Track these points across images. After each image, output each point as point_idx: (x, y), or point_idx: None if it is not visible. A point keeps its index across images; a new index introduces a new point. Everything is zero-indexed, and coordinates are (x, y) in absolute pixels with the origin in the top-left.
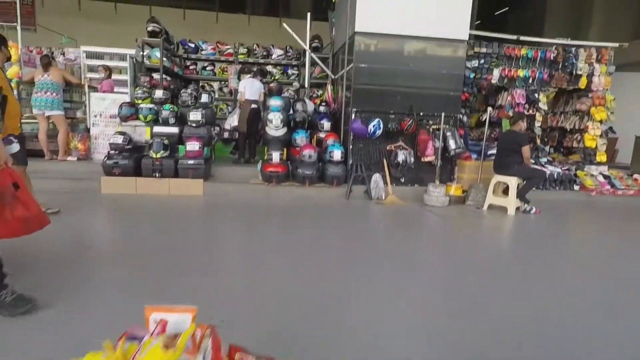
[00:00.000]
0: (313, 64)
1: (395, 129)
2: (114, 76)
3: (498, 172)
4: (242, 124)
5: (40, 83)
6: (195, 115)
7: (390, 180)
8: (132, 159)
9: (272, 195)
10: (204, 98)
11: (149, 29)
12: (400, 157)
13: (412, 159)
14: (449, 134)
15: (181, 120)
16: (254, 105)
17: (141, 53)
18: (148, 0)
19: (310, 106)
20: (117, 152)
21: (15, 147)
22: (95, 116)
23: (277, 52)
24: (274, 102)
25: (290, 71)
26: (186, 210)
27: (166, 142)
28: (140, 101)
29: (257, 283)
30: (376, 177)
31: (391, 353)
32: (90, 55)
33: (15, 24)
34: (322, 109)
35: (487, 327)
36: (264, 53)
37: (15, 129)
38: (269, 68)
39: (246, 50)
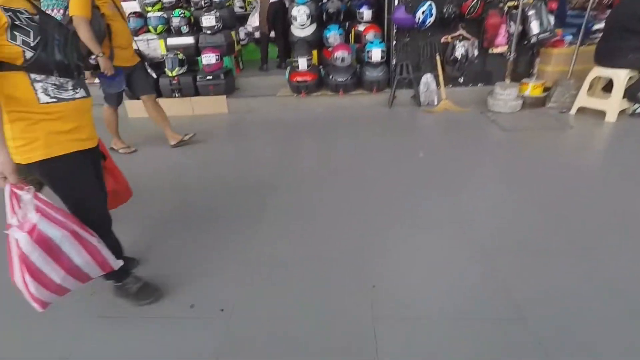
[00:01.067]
0: None
1: (453, 14)
2: None
3: (602, 62)
4: (263, 24)
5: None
6: (208, 20)
7: (445, 80)
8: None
9: (301, 109)
10: None
11: None
12: (459, 51)
13: (476, 52)
14: (531, 12)
15: (198, 27)
16: None
17: None
18: None
19: None
20: None
21: (120, 84)
22: None
23: None
24: None
25: None
26: (209, 132)
27: (181, 56)
28: (149, 8)
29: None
30: (427, 78)
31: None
32: None
33: None
34: None
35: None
36: None
37: (125, 61)
38: None
39: None
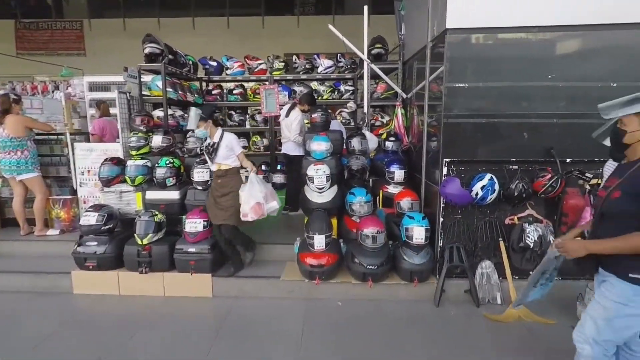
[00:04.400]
0: (375, 76)
1: (524, 191)
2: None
3: None
4: None
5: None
6: (200, 174)
7: (513, 273)
8: (112, 245)
9: (313, 302)
10: None
11: (147, 50)
12: (532, 236)
13: (552, 238)
14: None
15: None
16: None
17: (137, 83)
18: (190, 12)
19: (372, 142)
20: (91, 235)
21: None
22: (82, 173)
23: (324, 64)
24: (318, 145)
25: (343, 87)
26: (178, 337)
27: (158, 217)
28: (134, 153)
29: None
30: (485, 267)
31: None
32: (97, 88)
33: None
34: (389, 145)
35: None
36: (307, 66)
37: None
38: (314, 84)
39: (283, 64)
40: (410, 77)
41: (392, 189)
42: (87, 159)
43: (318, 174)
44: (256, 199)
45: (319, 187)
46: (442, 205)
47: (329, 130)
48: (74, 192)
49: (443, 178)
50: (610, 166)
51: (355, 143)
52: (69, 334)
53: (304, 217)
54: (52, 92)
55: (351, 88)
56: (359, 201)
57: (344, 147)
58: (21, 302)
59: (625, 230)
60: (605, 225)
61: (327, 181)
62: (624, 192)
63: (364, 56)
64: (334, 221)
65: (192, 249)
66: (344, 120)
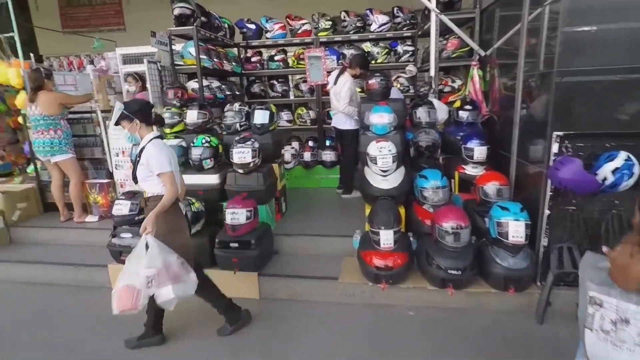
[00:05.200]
0: (443, 32)
1: None
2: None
3: None
4: None
5: (31, 119)
6: (241, 155)
7: None
8: None
9: (378, 310)
10: (259, 118)
11: (176, 12)
12: None
13: None
14: None
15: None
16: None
17: (167, 51)
18: None
19: (442, 111)
20: (125, 226)
21: None
22: (117, 155)
23: (379, 20)
24: (379, 118)
25: (400, 48)
26: (220, 347)
27: (196, 206)
28: (168, 131)
29: None
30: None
31: None
32: (130, 60)
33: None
34: (464, 115)
35: None
36: (358, 24)
37: None
38: (367, 46)
39: (330, 23)
40: (490, 29)
41: (471, 170)
42: (121, 139)
43: (382, 152)
44: (127, 280)
45: (383, 170)
46: (549, 193)
47: (389, 99)
48: (110, 176)
49: (552, 158)
50: None
51: (421, 114)
52: (109, 334)
53: (360, 202)
54: (87, 67)
55: (411, 48)
56: (432, 186)
57: (407, 118)
58: (58, 297)
59: None
60: None
61: (394, 162)
62: None
63: (432, 5)
64: (402, 210)
65: (234, 244)
66: (402, 87)
